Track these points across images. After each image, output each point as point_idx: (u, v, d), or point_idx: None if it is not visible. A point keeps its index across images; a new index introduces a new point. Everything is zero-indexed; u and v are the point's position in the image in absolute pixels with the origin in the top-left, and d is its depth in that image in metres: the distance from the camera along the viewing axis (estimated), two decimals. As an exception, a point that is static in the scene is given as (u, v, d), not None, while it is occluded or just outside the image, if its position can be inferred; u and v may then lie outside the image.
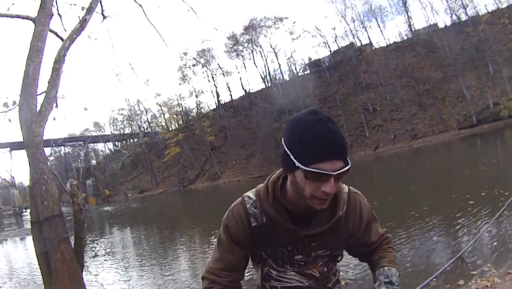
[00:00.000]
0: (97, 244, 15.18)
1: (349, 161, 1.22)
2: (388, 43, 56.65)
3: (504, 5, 45.90)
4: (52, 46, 7.33)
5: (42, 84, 5.73)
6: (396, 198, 13.31)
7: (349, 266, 6.62)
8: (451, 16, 49.69)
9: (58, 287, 5.02)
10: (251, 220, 1.42)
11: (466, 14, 47.52)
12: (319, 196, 1.23)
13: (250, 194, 1.46)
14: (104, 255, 12.66)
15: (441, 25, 50.36)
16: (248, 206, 1.43)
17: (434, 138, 41.19)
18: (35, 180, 5.37)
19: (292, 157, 1.22)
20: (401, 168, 27.57)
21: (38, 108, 5.61)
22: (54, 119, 5.94)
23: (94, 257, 11.96)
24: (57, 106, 5.88)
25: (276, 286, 1.54)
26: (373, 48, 55.68)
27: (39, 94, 5.69)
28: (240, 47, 62.38)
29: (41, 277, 5.46)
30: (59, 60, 5.88)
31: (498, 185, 10.42)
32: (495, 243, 6.41)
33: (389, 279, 1.44)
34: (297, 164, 1.20)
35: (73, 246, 5.48)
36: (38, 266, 5.52)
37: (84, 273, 5.73)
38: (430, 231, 8.31)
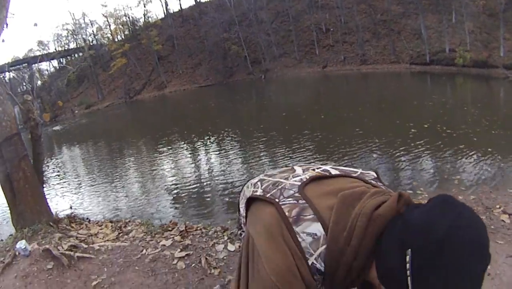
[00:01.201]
0: (48, 166, 14.35)
1: None
2: (350, -32, 52.23)
3: None
4: None
5: None
6: (343, 115, 13.22)
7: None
8: None
9: (23, 207, 4.92)
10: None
11: None
12: None
13: (314, 253, 1.01)
14: (56, 177, 12.02)
15: None
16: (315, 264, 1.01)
17: (384, 67, 39.66)
18: None
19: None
20: (348, 88, 26.77)
21: None
22: (3, 41, 5.72)
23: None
24: (7, 27, 5.35)
25: None
26: (334, -31, 51.30)
27: None
28: (193, -48, 56.59)
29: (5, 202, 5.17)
30: None
31: (442, 122, 10.76)
32: (432, 171, 6.72)
33: None
34: None
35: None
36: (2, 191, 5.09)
37: (45, 188, 5.52)
38: (372, 150, 8.33)
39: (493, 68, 33.16)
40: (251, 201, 1.25)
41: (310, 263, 0.99)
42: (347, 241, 0.94)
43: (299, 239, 1.00)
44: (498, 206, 4.49)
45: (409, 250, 0.82)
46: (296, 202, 1.08)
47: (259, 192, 1.23)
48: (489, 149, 7.91)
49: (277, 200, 1.11)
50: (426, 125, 10.43)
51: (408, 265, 0.82)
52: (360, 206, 0.97)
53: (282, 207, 1.07)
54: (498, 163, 7.22)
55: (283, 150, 10.00)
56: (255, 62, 47.87)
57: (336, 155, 8.50)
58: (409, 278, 0.82)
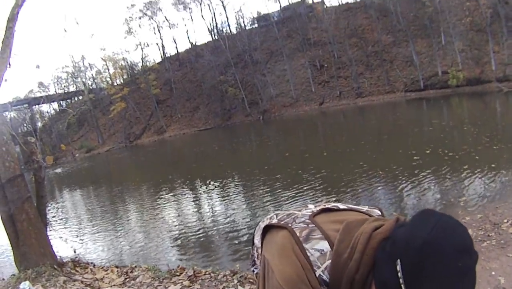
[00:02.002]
0: (50, 210, 13.93)
1: None
2: (341, 3, 53.84)
3: None
4: (2, 4, 6.35)
5: None
6: (345, 150, 13.09)
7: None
8: None
9: (26, 248, 4.87)
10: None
11: None
12: None
13: (320, 265, 1.12)
14: (59, 221, 11.93)
15: None
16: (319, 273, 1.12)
17: (379, 98, 40.22)
18: None
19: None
20: (347, 123, 26.91)
21: None
22: (5, 80, 5.50)
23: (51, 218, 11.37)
24: (10, 66, 5.47)
25: None
26: (325, 7, 52.71)
27: None
28: (188, 0, 57.94)
29: (7, 242, 5.17)
30: (12, 19, 5.56)
31: (443, 146, 10.85)
32: (437, 196, 6.62)
33: None
34: None
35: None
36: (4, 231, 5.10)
37: (48, 231, 5.55)
38: (377, 182, 8.19)
39: (486, 84, 33.93)
40: (266, 229, 1.35)
41: (317, 275, 1.09)
42: (350, 255, 1.04)
43: (308, 254, 1.11)
44: (506, 220, 4.44)
45: (398, 260, 0.91)
46: (306, 225, 1.19)
47: (274, 221, 1.33)
48: (492, 165, 7.90)
49: (290, 225, 1.22)
50: (428, 151, 10.47)
51: (400, 274, 0.89)
52: (362, 227, 1.08)
53: (294, 229, 1.18)
54: (502, 178, 7.17)
55: (289, 191, 9.64)
56: (252, 104, 48.10)
57: (343, 190, 8.39)
58: (402, 285, 0.89)
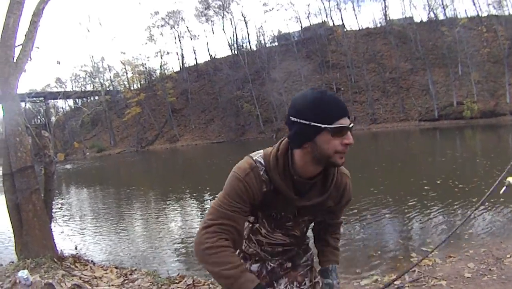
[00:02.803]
0: (55, 204, 13.28)
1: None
2: (361, 28, 54.18)
3: (484, 14, 44.86)
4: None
5: (19, 37, 5.47)
6: (357, 175, 12.55)
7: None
8: (429, 13, 48.54)
9: (29, 238, 4.94)
10: (263, 185, 1.50)
11: (445, 14, 46.41)
12: (342, 150, 1.40)
13: (260, 159, 1.53)
14: (63, 216, 11.88)
15: (416, 19, 49.20)
16: (261, 172, 1.50)
17: (393, 125, 40.16)
18: (9, 132, 5.19)
19: (314, 123, 1.37)
20: (361, 148, 26.93)
21: (15, 60, 5.38)
22: (25, 71, 5.60)
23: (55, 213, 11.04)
24: (31, 59, 5.65)
25: (261, 241, 1.72)
26: (345, 30, 53.09)
27: (16, 46, 5.45)
28: (211, 12, 58.94)
29: (11, 229, 5.26)
30: (38, 13, 5.66)
31: (455, 177, 10.81)
32: (442, 228, 6.57)
33: (337, 281, 1.78)
34: (323, 126, 1.36)
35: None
36: (8, 219, 5.18)
37: (52, 224, 5.57)
38: (385, 208, 8.30)
39: (500, 116, 34.21)
40: None
41: (261, 172, 1.49)
42: (272, 150, 1.51)
43: (257, 160, 1.51)
44: (509, 255, 4.35)
45: (293, 118, 1.40)
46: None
47: None
48: (502, 199, 7.79)
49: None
50: (438, 182, 10.44)
51: (293, 118, 1.40)
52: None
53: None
54: (509, 212, 7.07)
55: None
56: (267, 121, 48.28)
57: (349, 214, 8.37)
58: (303, 121, 1.37)
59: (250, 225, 1.70)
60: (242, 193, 1.46)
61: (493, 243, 5.22)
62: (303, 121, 1.38)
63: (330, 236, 1.82)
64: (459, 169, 12.79)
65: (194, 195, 13.78)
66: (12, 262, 4.94)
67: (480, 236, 5.90)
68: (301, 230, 1.70)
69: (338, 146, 1.38)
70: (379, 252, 5.70)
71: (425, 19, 48.84)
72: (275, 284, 1.81)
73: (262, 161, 1.52)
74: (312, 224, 1.80)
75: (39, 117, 68.72)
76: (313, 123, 1.36)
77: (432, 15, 47.74)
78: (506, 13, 42.35)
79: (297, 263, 1.83)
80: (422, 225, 6.93)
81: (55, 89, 69.89)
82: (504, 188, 1.83)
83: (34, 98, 66.55)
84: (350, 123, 1.40)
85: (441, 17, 46.56)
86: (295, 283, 1.81)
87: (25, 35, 5.58)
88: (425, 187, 9.87)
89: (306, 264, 1.87)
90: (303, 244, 1.83)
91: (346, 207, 1.76)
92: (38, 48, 5.88)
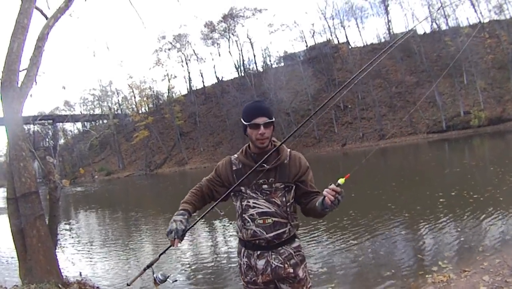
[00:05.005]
0: (62, 228, 14.19)
1: (273, 117, 2.23)
2: (365, 44, 54.64)
3: (486, 20, 44.86)
4: (34, 23, 6.17)
5: (23, 61, 5.49)
6: (373, 192, 13.10)
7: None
8: (431, 24, 48.38)
9: (33, 263, 4.90)
10: (233, 165, 2.35)
11: (447, 24, 46.17)
12: (259, 138, 2.18)
13: (235, 154, 2.39)
14: (70, 240, 11.98)
15: (420, 31, 48.87)
16: (232, 158, 2.38)
17: (402, 140, 39.91)
18: (13, 157, 5.20)
19: (243, 121, 2.21)
20: (370, 164, 26.28)
21: (19, 85, 5.46)
22: (31, 96, 5.73)
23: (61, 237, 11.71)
24: (36, 84, 5.73)
25: (252, 214, 2.24)
26: (350, 47, 53.46)
27: (21, 71, 5.53)
28: (217, 35, 59.58)
29: (15, 254, 5.27)
30: (42, 38, 5.78)
31: (468, 187, 10.74)
32: (456, 241, 6.47)
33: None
34: (245, 123, 2.20)
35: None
36: (12, 244, 5.22)
37: (57, 249, 5.63)
38: (401, 226, 8.23)
39: (508, 122, 34.26)
40: None
41: (234, 168, 2.33)
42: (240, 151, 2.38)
43: (232, 159, 2.39)
44: (524, 265, 4.22)
45: (242, 120, 2.22)
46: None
47: None
48: (515, 206, 7.64)
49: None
50: (453, 193, 10.33)
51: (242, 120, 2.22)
52: None
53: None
54: (524, 220, 6.92)
55: (323, 233, 9.19)
56: (274, 142, 48.09)
57: (362, 231, 8.19)
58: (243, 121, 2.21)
59: (240, 206, 2.28)
60: (216, 170, 2.42)
61: (508, 253, 5.06)
62: (242, 120, 2.22)
63: (312, 200, 2.25)
64: (473, 179, 12.65)
65: (204, 218, 13.60)
66: (16, 286, 4.93)
67: (494, 247, 5.70)
68: (281, 200, 2.22)
69: (256, 135, 2.16)
70: (393, 271, 5.49)
71: (428, 30, 48.88)
72: (277, 285, 2.30)
73: (237, 155, 2.37)
74: (293, 199, 2.30)
75: (47, 139, 69.77)
76: (243, 121, 2.21)
77: (435, 26, 47.88)
78: (508, 17, 42.56)
79: (298, 272, 2.27)
80: (437, 240, 6.71)
81: (63, 112, 71.07)
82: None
83: (43, 121, 67.50)
84: (263, 121, 2.14)
85: (443, 27, 46.60)
86: None
87: (30, 60, 5.63)
88: (441, 200, 9.71)
89: (305, 276, 2.33)
90: (292, 220, 2.28)
91: (309, 176, 2.32)
92: (44, 73, 5.99)
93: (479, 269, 4.71)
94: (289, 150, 2.34)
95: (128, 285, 2.27)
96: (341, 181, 1.95)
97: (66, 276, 5.39)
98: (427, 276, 4.99)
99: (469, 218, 7.68)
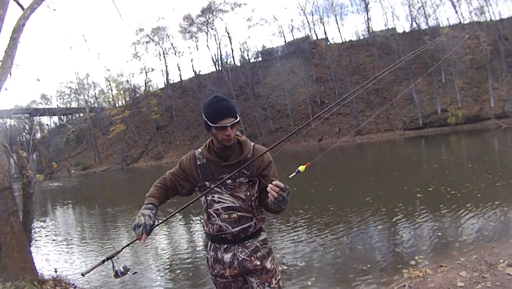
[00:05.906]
0: (37, 223, 14.09)
1: (238, 116, 2.14)
2: (344, 41, 54.85)
3: (467, 21, 45.55)
4: (10, 14, 5.95)
5: None
6: (352, 186, 13.50)
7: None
8: (411, 24, 49.04)
9: (8, 261, 4.82)
10: (197, 160, 2.32)
11: (427, 23, 46.67)
12: (225, 138, 2.14)
13: (199, 149, 2.37)
14: (45, 237, 11.73)
15: (399, 30, 49.65)
16: (196, 153, 2.35)
17: (378, 136, 40.44)
18: None
19: (207, 120, 2.13)
20: (346, 159, 26.94)
21: None
22: (6, 89, 5.65)
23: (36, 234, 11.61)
24: (10, 76, 5.58)
25: (217, 208, 2.25)
26: (328, 43, 53.73)
27: None
28: (195, 29, 58.98)
29: None
30: (18, 30, 5.68)
31: (446, 183, 10.95)
32: (433, 236, 6.54)
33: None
34: (211, 124, 2.12)
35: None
36: None
37: (31, 247, 5.57)
38: (378, 220, 8.27)
39: (485, 121, 34.93)
40: None
41: (198, 163, 2.31)
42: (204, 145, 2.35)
43: (196, 154, 2.36)
44: (502, 260, 4.29)
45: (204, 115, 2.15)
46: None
47: None
48: (496, 202, 7.75)
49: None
50: (430, 189, 10.52)
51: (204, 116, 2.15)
52: None
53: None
54: (502, 215, 7.02)
55: (303, 229, 9.11)
56: (251, 137, 47.47)
57: (339, 225, 8.24)
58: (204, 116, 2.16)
59: (205, 201, 2.28)
60: (180, 164, 2.39)
61: (485, 249, 5.15)
62: (204, 118, 2.14)
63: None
64: (451, 175, 12.88)
65: (182, 213, 13.49)
66: (-10, 284, 4.75)
67: (471, 242, 5.81)
68: (245, 194, 2.23)
69: (222, 135, 2.12)
70: (369, 265, 5.55)
71: (407, 29, 49.41)
72: (246, 278, 2.33)
73: (199, 149, 2.34)
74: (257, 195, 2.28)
75: (24, 134, 67.85)
76: (207, 120, 2.12)
77: (414, 25, 48.42)
78: (488, 19, 43.28)
79: (265, 265, 2.30)
80: (414, 235, 6.80)
81: (40, 106, 69.09)
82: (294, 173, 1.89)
83: (19, 115, 66.28)
84: (230, 122, 2.08)
85: (423, 26, 47.16)
86: (266, 284, 2.29)
87: (5, 52, 5.55)
88: (418, 195, 9.88)
89: (273, 268, 2.34)
90: (257, 214, 2.29)
91: (271, 170, 2.30)
92: (18, 66, 5.96)
93: (456, 264, 4.79)
94: (252, 143, 2.36)
95: (82, 275, 2.18)
96: (301, 168, 1.95)
97: (41, 273, 5.30)
98: (403, 270, 5.07)
99: (446, 213, 7.81)
